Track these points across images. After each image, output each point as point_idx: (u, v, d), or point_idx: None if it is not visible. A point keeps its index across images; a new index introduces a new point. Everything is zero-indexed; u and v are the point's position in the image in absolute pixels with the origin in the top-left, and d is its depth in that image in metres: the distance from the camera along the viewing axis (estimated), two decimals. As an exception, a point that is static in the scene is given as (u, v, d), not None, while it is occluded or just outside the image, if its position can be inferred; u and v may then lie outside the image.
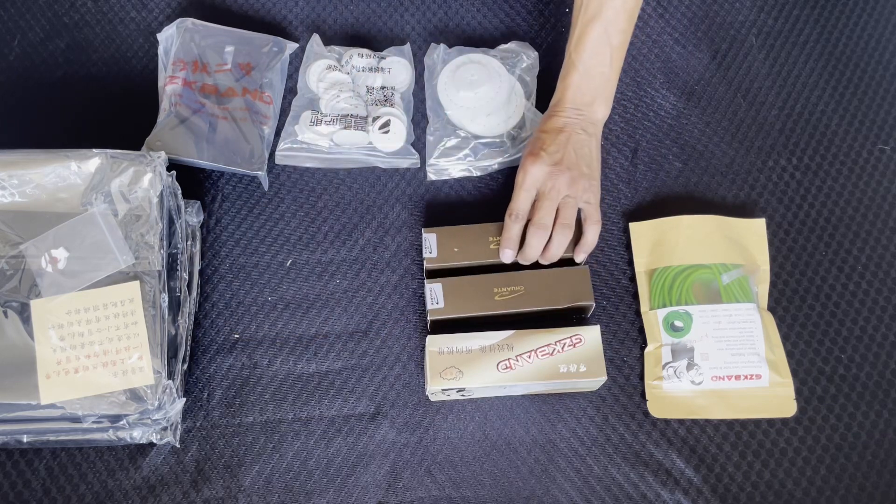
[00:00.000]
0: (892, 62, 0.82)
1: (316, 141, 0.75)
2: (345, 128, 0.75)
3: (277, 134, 0.77)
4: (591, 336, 0.64)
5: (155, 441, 0.63)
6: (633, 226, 0.73)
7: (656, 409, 0.67)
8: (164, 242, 0.63)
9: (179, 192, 0.67)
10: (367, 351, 0.69)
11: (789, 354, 0.68)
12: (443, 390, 0.63)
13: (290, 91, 0.80)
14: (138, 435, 0.62)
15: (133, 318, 0.60)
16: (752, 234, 0.72)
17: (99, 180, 0.61)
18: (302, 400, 0.67)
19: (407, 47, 0.81)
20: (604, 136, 0.78)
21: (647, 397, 0.67)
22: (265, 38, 0.80)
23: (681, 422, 0.67)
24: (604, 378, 0.63)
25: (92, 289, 0.60)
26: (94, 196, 0.61)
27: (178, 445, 0.65)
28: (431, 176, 0.76)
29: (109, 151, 0.62)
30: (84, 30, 0.83)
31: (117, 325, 0.60)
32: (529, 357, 0.63)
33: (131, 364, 0.59)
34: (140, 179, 0.62)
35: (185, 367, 0.66)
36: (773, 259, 0.72)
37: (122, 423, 0.61)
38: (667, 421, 0.67)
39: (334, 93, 0.76)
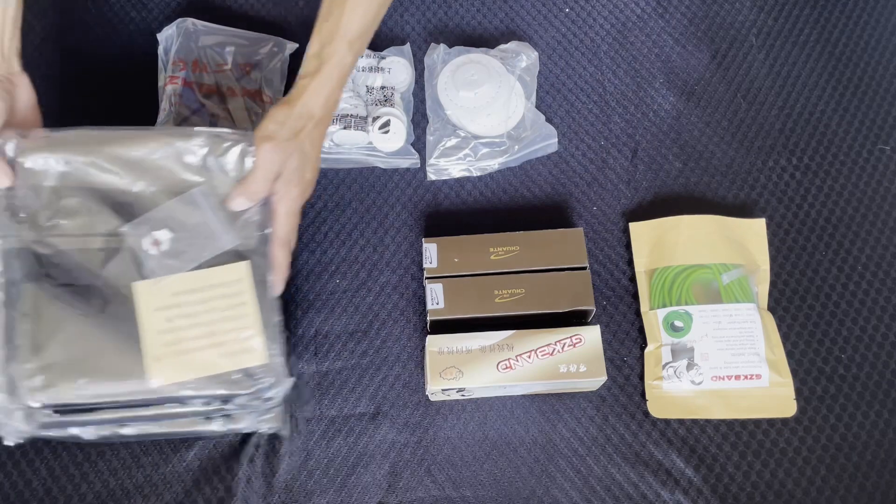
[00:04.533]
0: (892, 62, 0.82)
1: (316, 141, 0.75)
2: (345, 128, 0.75)
3: (277, 134, 0.77)
4: (591, 336, 0.64)
5: (262, 430, 0.63)
6: (633, 226, 0.73)
7: (656, 409, 0.67)
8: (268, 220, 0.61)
9: None
10: (367, 351, 0.69)
11: (789, 354, 0.69)
12: (443, 390, 0.64)
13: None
14: (245, 424, 0.61)
15: (242, 297, 0.58)
16: (752, 234, 0.72)
17: (201, 159, 0.60)
18: (302, 399, 0.67)
19: (407, 47, 0.81)
20: (604, 137, 0.78)
21: (647, 397, 0.67)
22: (265, 38, 0.80)
23: (681, 422, 0.67)
24: (604, 378, 0.63)
25: (198, 269, 0.58)
26: (196, 174, 0.60)
27: (284, 433, 0.65)
28: (431, 176, 0.76)
29: (212, 130, 0.60)
30: (84, 30, 0.83)
31: (226, 305, 0.58)
32: (529, 357, 0.63)
33: (243, 344, 0.57)
34: (244, 158, 0.60)
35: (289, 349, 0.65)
36: (773, 259, 0.72)
37: (231, 405, 0.59)
38: (667, 421, 0.67)
39: (334, 93, 0.76)
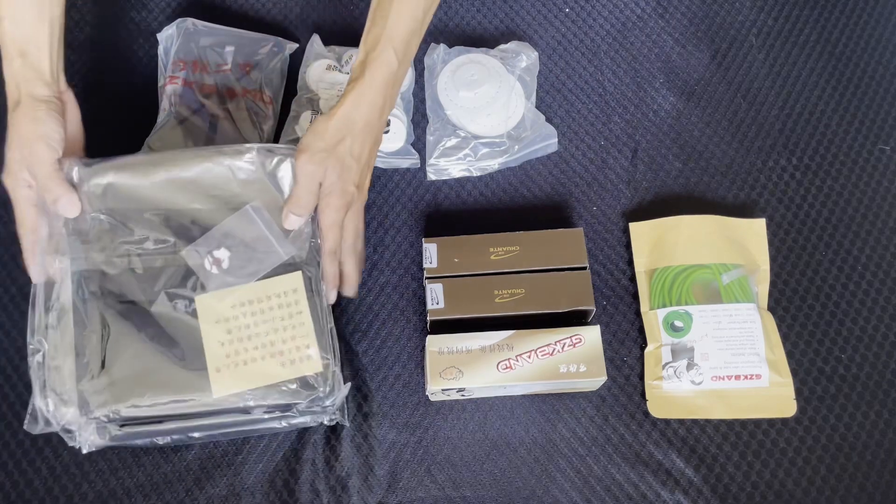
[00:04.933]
0: (892, 62, 0.82)
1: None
2: (345, 128, 0.75)
3: (277, 134, 0.77)
4: (591, 336, 0.64)
5: (326, 423, 0.64)
6: (633, 226, 0.73)
7: (656, 409, 0.67)
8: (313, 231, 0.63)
9: None
10: (367, 351, 0.70)
11: (789, 354, 0.69)
12: (443, 390, 0.64)
13: (290, 91, 0.80)
14: (309, 419, 0.63)
15: (297, 307, 0.60)
16: (752, 234, 0.72)
17: (252, 174, 0.61)
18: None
19: (407, 47, 0.81)
20: (604, 137, 0.78)
21: (647, 397, 0.67)
22: (265, 38, 0.80)
23: (681, 422, 0.67)
24: (604, 378, 0.63)
25: (255, 281, 0.60)
26: (249, 190, 0.61)
27: (347, 425, 0.66)
28: (431, 176, 0.76)
29: (263, 145, 0.62)
30: (84, 30, 0.83)
31: (282, 315, 0.60)
32: (529, 357, 0.63)
33: (299, 353, 0.59)
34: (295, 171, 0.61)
35: (342, 352, 0.67)
36: (773, 259, 0.72)
37: (291, 412, 0.61)
38: (667, 421, 0.67)
39: (334, 93, 0.76)
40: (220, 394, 0.58)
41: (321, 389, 0.59)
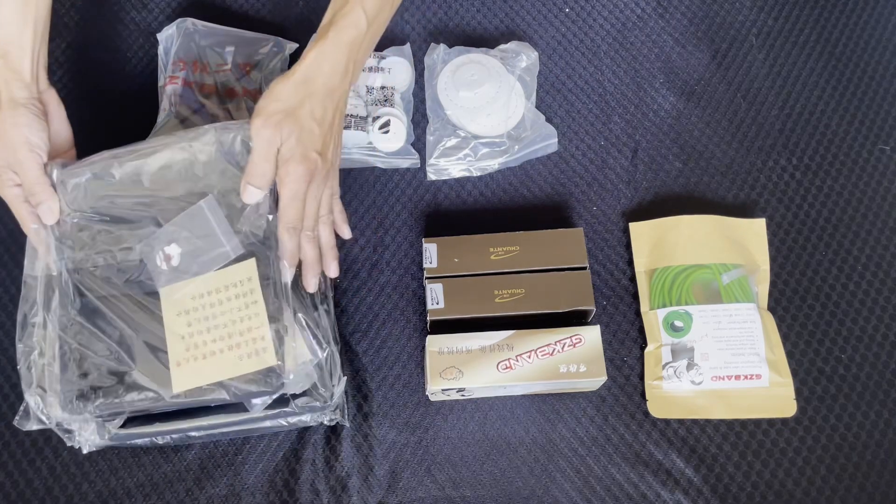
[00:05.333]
0: (892, 62, 0.82)
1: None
2: (345, 128, 0.75)
3: (278, 134, 0.77)
4: (591, 336, 0.64)
5: (326, 423, 0.64)
6: (633, 226, 0.73)
7: (656, 409, 0.67)
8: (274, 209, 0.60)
9: None
10: (367, 351, 0.70)
11: (789, 354, 0.69)
12: (443, 390, 0.64)
13: (291, 91, 0.80)
14: (308, 419, 0.62)
15: (252, 297, 0.57)
16: (752, 234, 0.72)
17: (211, 155, 0.60)
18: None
19: (407, 47, 0.81)
20: (604, 137, 0.78)
21: (647, 397, 0.67)
22: (265, 38, 0.80)
23: (681, 422, 0.67)
24: (604, 378, 0.63)
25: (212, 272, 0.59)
26: (210, 171, 0.60)
27: (347, 425, 0.66)
28: (431, 176, 0.76)
29: (220, 124, 0.60)
30: (84, 30, 0.83)
31: (239, 305, 0.57)
32: (529, 357, 0.63)
33: (255, 346, 0.57)
34: (247, 144, 0.59)
35: (339, 347, 0.66)
36: (773, 259, 0.72)
37: (292, 408, 0.60)
38: (667, 421, 0.67)
39: (334, 93, 0.76)
40: (180, 389, 0.56)
41: (289, 376, 0.57)
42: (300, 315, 0.59)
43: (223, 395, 0.57)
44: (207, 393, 0.57)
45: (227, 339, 0.57)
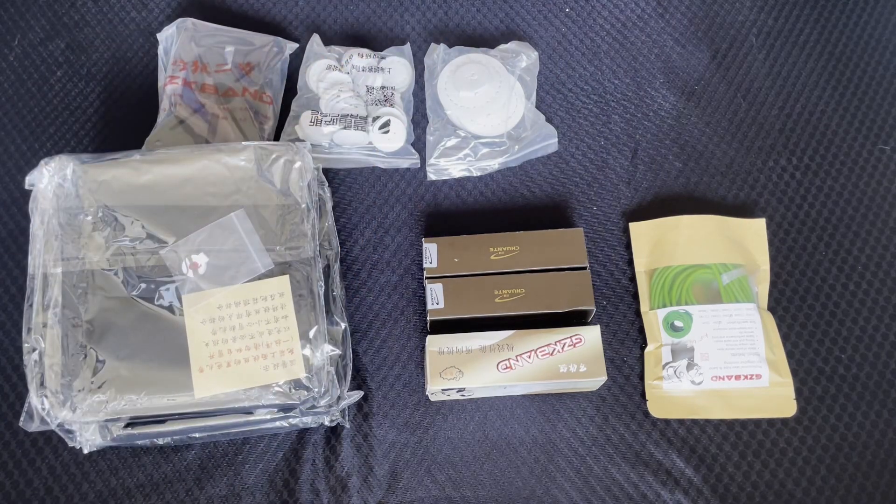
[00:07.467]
0: (892, 62, 0.82)
1: (316, 141, 0.75)
2: (345, 128, 0.75)
3: (277, 134, 0.77)
4: (591, 336, 0.64)
5: (326, 423, 0.64)
6: (633, 226, 0.73)
7: (656, 409, 0.67)
8: (316, 230, 0.63)
9: (326, 182, 0.69)
10: (367, 351, 0.70)
11: (789, 354, 0.69)
12: (443, 390, 0.64)
13: (290, 91, 0.80)
14: (309, 420, 0.63)
15: (283, 311, 0.60)
16: (752, 234, 0.72)
17: (248, 172, 0.62)
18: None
19: (407, 47, 0.81)
20: (604, 137, 0.79)
21: (647, 397, 0.67)
22: (265, 38, 0.80)
23: (681, 422, 0.67)
24: (604, 378, 0.63)
25: (244, 283, 0.60)
26: (244, 188, 0.62)
27: (347, 425, 0.66)
28: (431, 176, 0.76)
29: (259, 144, 0.63)
30: (84, 30, 0.83)
31: (268, 318, 0.60)
32: (529, 357, 0.63)
33: (283, 357, 0.59)
34: (290, 168, 0.63)
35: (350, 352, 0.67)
36: (773, 259, 0.72)
37: (293, 412, 0.61)
38: (667, 421, 0.67)
39: (334, 93, 0.76)
40: (202, 394, 0.58)
41: (316, 390, 0.59)
42: (324, 329, 0.61)
43: (244, 404, 0.58)
44: (227, 402, 0.58)
45: (253, 349, 0.59)
